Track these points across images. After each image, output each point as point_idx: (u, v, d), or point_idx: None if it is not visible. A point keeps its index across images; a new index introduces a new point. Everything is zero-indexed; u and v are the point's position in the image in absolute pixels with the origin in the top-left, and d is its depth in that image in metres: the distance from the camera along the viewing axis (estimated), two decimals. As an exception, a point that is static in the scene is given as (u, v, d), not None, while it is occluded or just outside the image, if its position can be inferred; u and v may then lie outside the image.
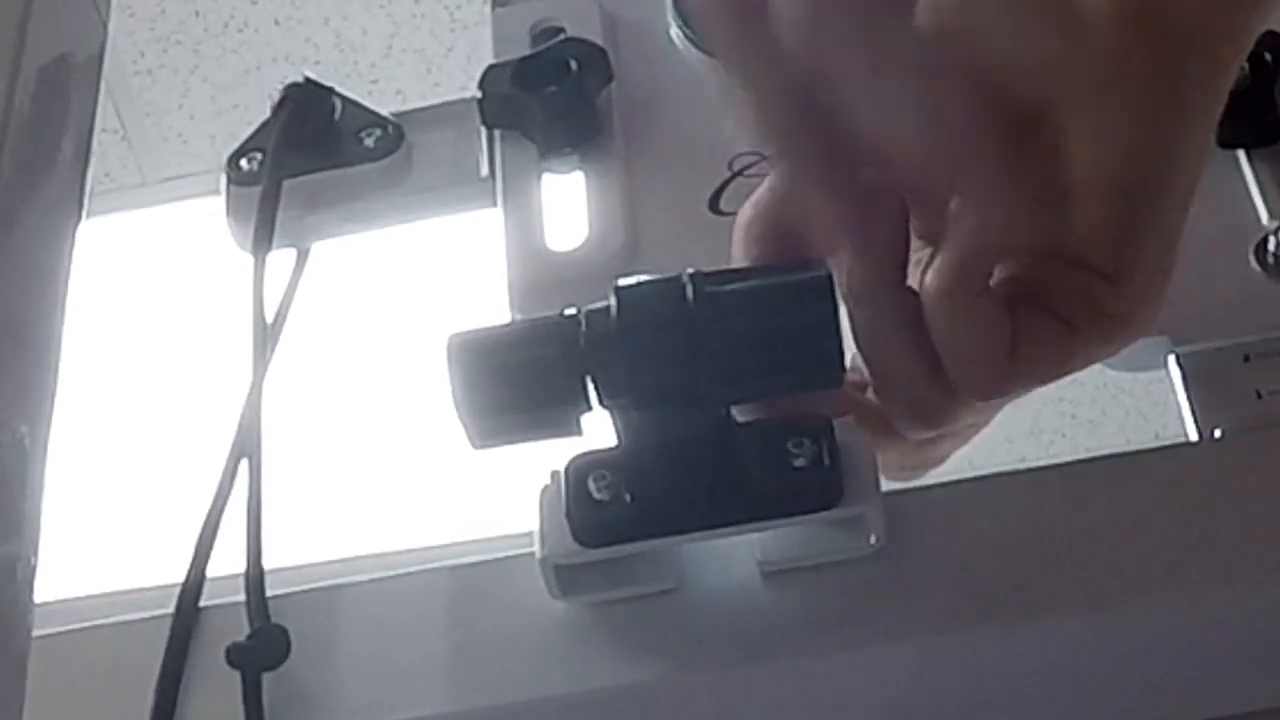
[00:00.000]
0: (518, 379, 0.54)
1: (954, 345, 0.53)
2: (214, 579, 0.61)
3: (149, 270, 2.15)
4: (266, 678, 0.57)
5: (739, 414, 0.54)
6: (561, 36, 0.75)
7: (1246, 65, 0.67)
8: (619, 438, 0.54)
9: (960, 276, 0.52)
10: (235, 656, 0.57)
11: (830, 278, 0.52)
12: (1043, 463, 0.60)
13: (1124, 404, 2.12)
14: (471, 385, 0.54)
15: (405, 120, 0.75)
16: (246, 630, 0.58)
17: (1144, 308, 0.54)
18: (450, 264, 1.81)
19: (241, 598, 0.59)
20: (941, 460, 0.61)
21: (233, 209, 0.72)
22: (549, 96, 0.72)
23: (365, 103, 0.75)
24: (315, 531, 1.93)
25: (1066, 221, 0.53)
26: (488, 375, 0.54)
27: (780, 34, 0.49)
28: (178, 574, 0.61)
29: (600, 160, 0.73)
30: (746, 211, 0.56)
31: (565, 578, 0.57)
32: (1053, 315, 0.54)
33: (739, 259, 0.56)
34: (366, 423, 2.06)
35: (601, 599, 0.57)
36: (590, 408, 0.54)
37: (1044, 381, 0.55)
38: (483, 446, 0.55)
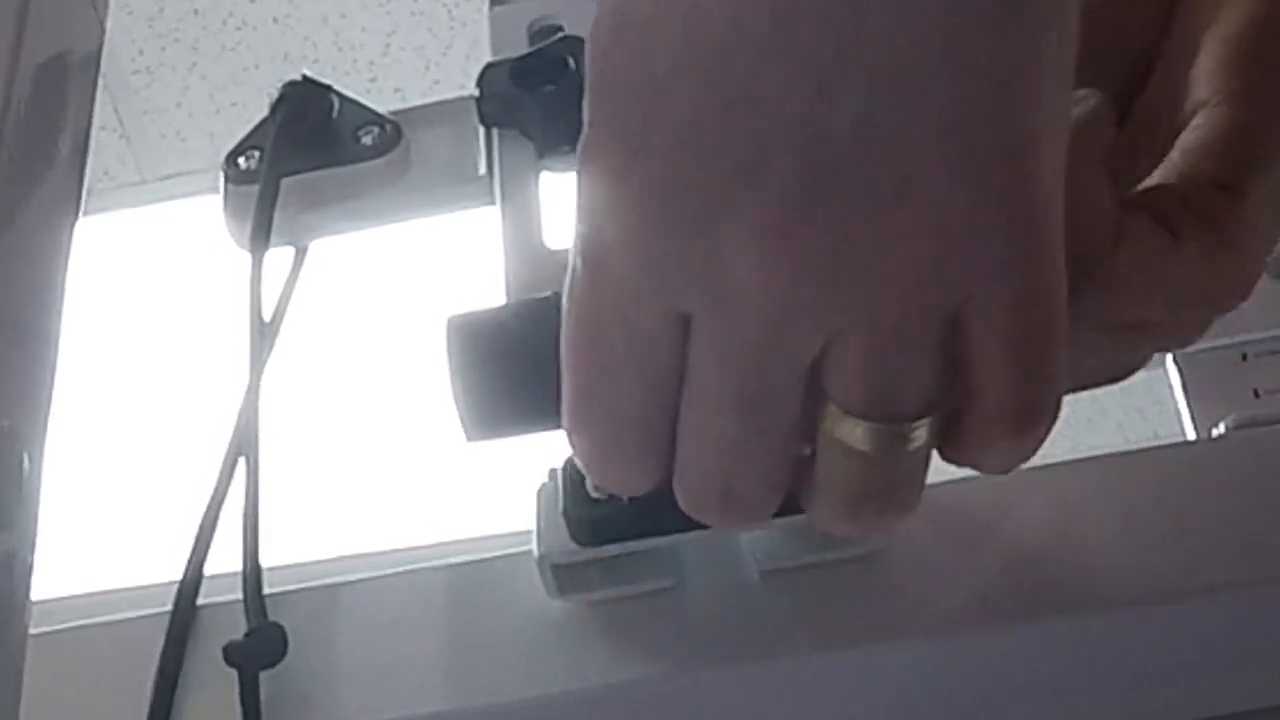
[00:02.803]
0: (517, 376, 0.54)
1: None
2: (211, 577, 0.61)
3: (147, 268, 2.15)
4: (264, 676, 0.57)
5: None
6: (559, 35, 0.75)
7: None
8: (616, 436, 0.54)
9: None
10: (232, 655, 0.57)
11: None
12: (1041, 462, 0.59)
13: (1122, 402, 2.12)
14: (469, 377, 0.54)
15: (403, 118, 0.74)
16: (244, 628, 0.58)
17: (1253, 241, 0.48)
18: (448, 262, 1.81)
19: (239, 596, 0.59)
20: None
21: (230, 207, 0.72)
22: (547, 95, 0.72)
23: (364, 101, 0.74)
24: (313, 530, 1.93)
25: (1177, 144, 0.48)
26: (486, 370, 0.54)
27: None
28: (175, 572, 0.61)
29: (598, 158, 0.72)
30: None
31: (563, 576, 0.57)
32: (1158, 221, 0.47)
33: None
34: (364, 421, 2.06)
35: (599, 597, 0.57)
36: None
37: (1136, 305, 0.48)
38: (478, 439, 0.55)
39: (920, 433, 0.44)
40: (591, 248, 0.43)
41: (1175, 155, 0.48)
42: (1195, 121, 0.48)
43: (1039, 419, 0.44)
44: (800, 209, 0.40)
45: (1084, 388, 0.50)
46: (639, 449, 0.45)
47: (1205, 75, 0.48)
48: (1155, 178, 0.48)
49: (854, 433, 0.43)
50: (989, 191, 0.41)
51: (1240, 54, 0.48)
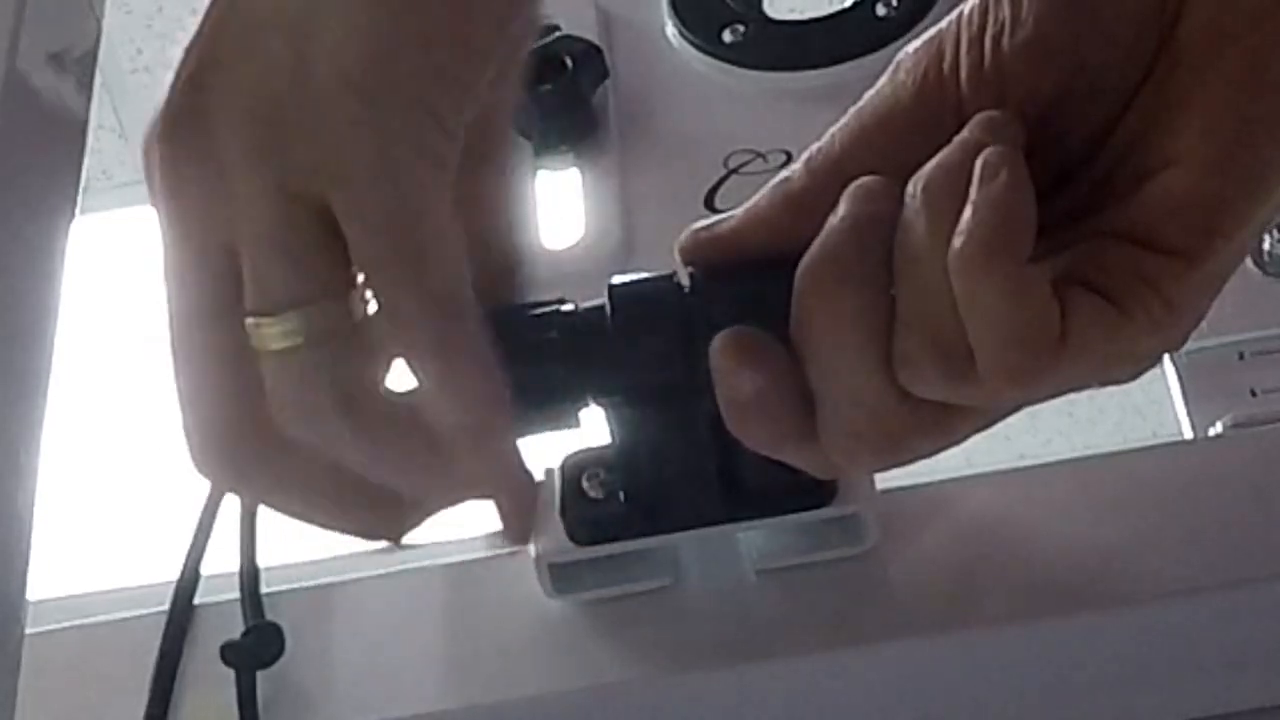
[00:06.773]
0: (514, 377, 0.54)
1: (993, 323, 0.45)
2: (208, 577, 0.61)
3: (147, 267, 2.15)
4: (261, 675, 0.57)
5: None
6: (557, 34, 0.75)
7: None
8: (613, 435, 0.54)
9: (1005, 240, 0.45)
10: (230, 654, 0.57)
11: None
12: (1040, 460, 0.59)
13: (1121, 402, 2.12)
14: None
15: (400, 117, 0.74)
16: (241, 628, 0.58)
17: (1200, 302, 0.47)
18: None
19: (236, 595, 0.59)
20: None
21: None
22: (544, 94, 0.72)
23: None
24: (310, 528, 1.93)
25: (1138, 197, 0.47)
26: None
27: None
28: (172, 572, 0.61)
29: (596, 158, 0.73)
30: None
31: (560, 575, 0.57)
32: (1104, 298, 0.46)
33: None
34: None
35: (596, 597, 0.57)
36: (588, 404, 0.54)
37: (1083, 378, 0.47)
38: None
39: (313, 325, 0.46)
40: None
41: (1136, 210, 0.47)
42: (1163, 178, 0.46)
43: (410, 329, 0.46)
44: (173, 115, 0.49)
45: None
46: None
47: (1182, 134, 0.46)
48: (1111, 228, 0.47)
49: (258, 333, 0.47)
50: (314, 90, 0.45)
51: (1221, 120, 0.46)
